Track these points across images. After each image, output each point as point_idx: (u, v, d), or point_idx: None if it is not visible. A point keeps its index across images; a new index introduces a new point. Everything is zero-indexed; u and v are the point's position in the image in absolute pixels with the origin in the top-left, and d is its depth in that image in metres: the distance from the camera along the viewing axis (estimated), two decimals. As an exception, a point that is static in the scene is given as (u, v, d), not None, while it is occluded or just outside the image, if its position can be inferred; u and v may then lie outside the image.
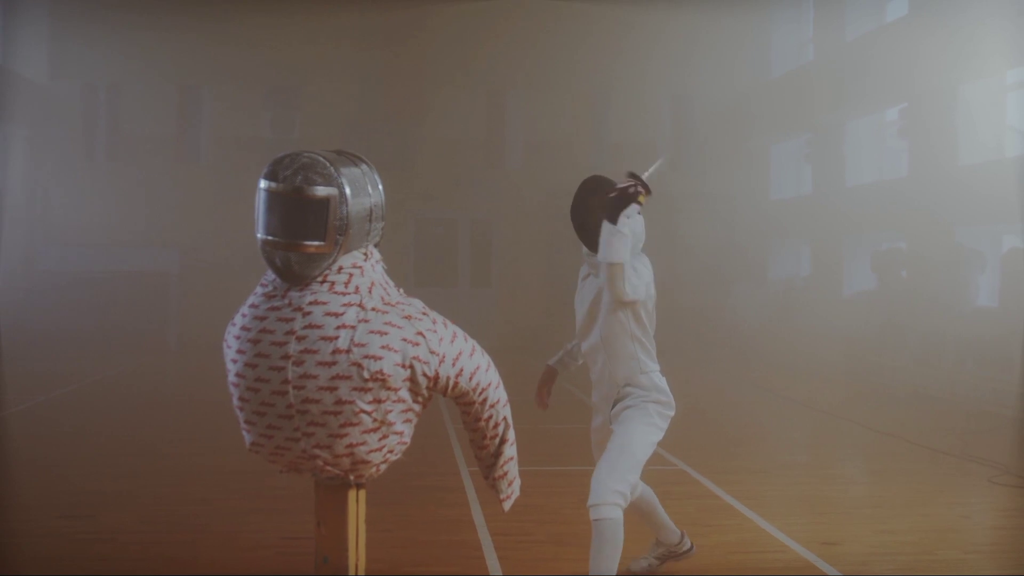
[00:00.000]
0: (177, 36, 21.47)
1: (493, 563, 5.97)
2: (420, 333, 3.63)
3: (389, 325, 3.58)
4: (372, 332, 3.55)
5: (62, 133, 21.62)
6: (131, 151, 22.05)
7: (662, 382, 5.06)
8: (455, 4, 22.31)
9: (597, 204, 4.90)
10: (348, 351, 3.51)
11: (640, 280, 4.86)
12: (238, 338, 3.70)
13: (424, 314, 3.72)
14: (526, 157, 22.93)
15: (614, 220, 4.60)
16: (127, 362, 17.61)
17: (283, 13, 21.74)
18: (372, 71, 22.55)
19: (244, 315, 3.73)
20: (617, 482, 4.73)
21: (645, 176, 4.77)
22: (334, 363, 3.51)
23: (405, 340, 3.59)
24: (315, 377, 3.51)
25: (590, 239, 4.95)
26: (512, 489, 4.18)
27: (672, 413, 5.08)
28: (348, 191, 3.60)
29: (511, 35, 22.43)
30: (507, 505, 4.23)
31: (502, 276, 22.86)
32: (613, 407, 5.06)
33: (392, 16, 22.25)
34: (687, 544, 5.67)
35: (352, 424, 3.55)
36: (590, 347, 5.10)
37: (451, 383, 3.72)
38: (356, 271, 3.66)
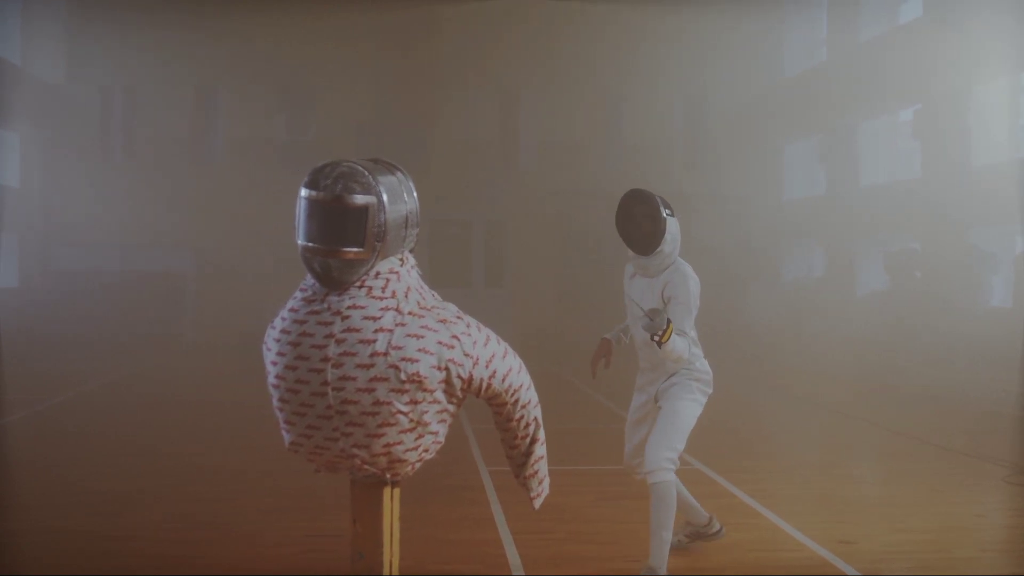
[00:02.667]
0: (192, 38, 21.60)
1: (515, 561, 6.05)
2: (455, 336, 3.73)
3: (425, 329, 3.68)
4: (409, 335, 3.64)
5: (79, 134, 21.74)
6: (147, 152, 22.18)
7: (704, 365, 5.86)
8: (469, 5, 22.37)
9: (640, 213, 5.72)
10: (386, 354, 3.60)
11: (693, 315, 5.72)
12: (278, 341, 3.80)
13: (459, 318, 3.82)
14: (540, 158, 23.00)
15: (660, 344, 5.35)
16: (143, 362, 17.71)
17: (297, 15, 21.85)
18: (386, 72, 22.63)
19: (284, 319, 3.83)
20: (667, 450, 5.56)
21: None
22: (372, 365, 3.60)
23: (441, 343, 3.68)
24: (354, 379, 3.61)
25: (636, 244, 5.75)
26: (542, 488, 4.27)
27: (711, 391, 5.87)
28: (386, 199, 3.70)
29: (525, 36, 22.49)
30: (537, 503, 4.32)
31: (516, 276, 22.93)
32: (660, 385, 5.82)
33: (406, 17, 22.33)
34: (716, 526, 6.24)
35: (389, 424, 3.65)
36: (643, 341, 5.80)
37: (484, 385, 3.81)
38: (393, 276, 3.76)
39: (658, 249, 5.72)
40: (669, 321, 5.32)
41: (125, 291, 20.63)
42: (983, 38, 15.05)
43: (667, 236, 5.71)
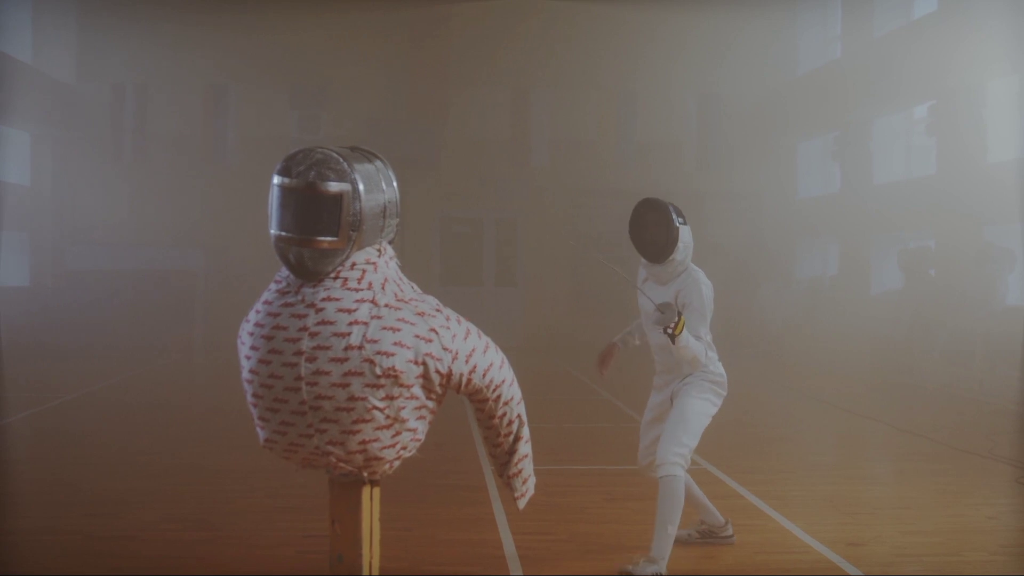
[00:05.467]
0: (203, 37, 21.60)
1: (514, 562, 5.94)
2: (433, 330, 3.60)
3: (402, 321, 3.56)
4: (385, 328, 3.52)
5: (90, 133, 21.74)
6: (158, 151, 22.16)
7: (719, 368, 5.93)
8: (481, 3, 22.31)
9: (652, 221, 5.81)
10: (360, 347, 3.49)
11: (708, 321, 5.82)
12: (252, 334, 3.69)
13: (438, 311, 3.69)
14: (551, 156, 22.89)
15: (675, 342, 5.46)
16: (152, 360, 17.71)
17: (309, 13, 21.82)
18: (398, 70, 22.57)
19: (258, 311, 3.72)
20: (677, 445, 5.62)
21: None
22: (346, 359, 3.49)
23: (418, 337, 3.56)
24: (328, 373, 3.49)
25: (648, 252, 5.85)
26: (527, 487, 4.15)
27: (725, 393, 5.95)
28: (361, 187, 3.58)
29: (537, 34, 22.42)
30: (522, 503, 4.21)
31: (527, 275, 22.82)
32: (675, 386, 5.92)
33: (418, 15, 22.29)
34: (730, 530, 6.32)
35: (365, 420, 3.53)
36: (658, 344, 5.90)
37: (464, 380, 3.69)
38: (370, 267, 3.64)
39: (670, 257, 5.81)
40: (680, 315, 5.41)
41: (136, 290, 20.59)
42: (998, 33, 14.88)
43: (679, 245, 5.79)
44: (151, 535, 6.50)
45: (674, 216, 5.81)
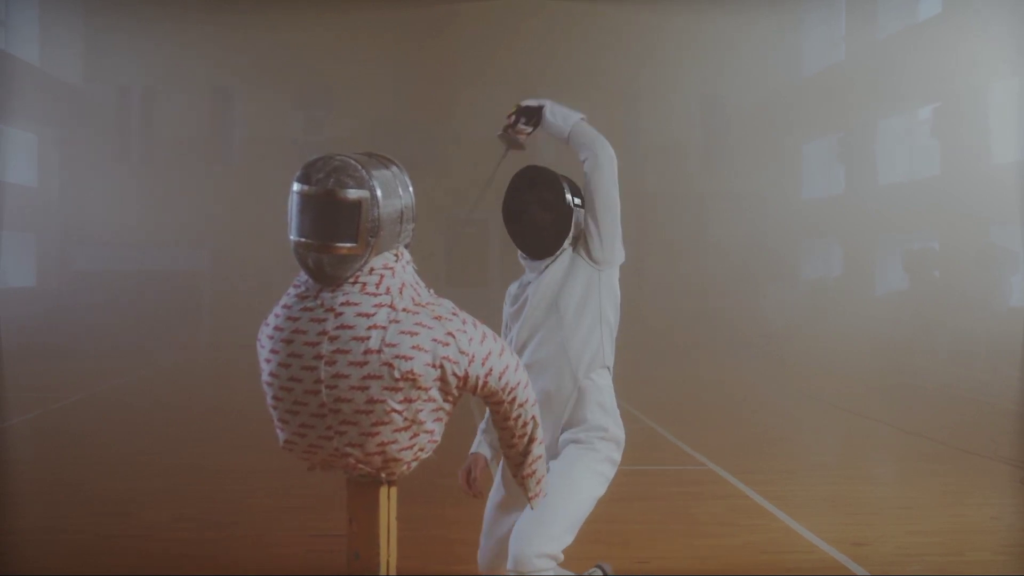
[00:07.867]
0: (209, 39, 21.69)
1: (522, 561, 5.99)
2: (450, 333, 3.66)
3: (419, 326, 3.61)
4: (403, 332, 3.57)
5: (96, 135, 21.84)
6: (164, 152, 22.26)
7: (619, 423, 4.27)
8: (484, 3, 22.36)
9: (534, 199, 4.34)
10: (379, 351, 3.54)
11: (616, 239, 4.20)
12: (271, 338, 3.74)
13: (454, 314, 3.74)
14: (557, 157, 22.87)
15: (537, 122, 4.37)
16: (159, 360, 17.76)
17: (313, 15, 21.90)
18: (402, 70, 22.64)
19: (277, 315, 3.77)
20: (547, 543, 4.11)
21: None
22: (365, 363, 3.54)
23: (435, 340, 3.61)
24: (347, 377, 3.54)
25: (530, 242, 4.35)
26: (540, 487, 4.20)
27: (619, 458, 4.22)
28: (380, 193, 3.64)
29: (541, 34, 22.48)
30: (535, 503, 4.25)
31: (532, 276, 22.83)
32: (561, 434, 4.34)
33: (421, 15, 22.35)
34: None
35: (383, 423, 3.58)
36: (546, 354, 4.34)
37: (481, 383, 3.74)
38: (387, 272, 3.69)
39: (562, 248, 4.28)
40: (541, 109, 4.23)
41: (142, 290, 20.70)
42: (1002, 35, 14.94)
43: (572, 232, 4.26)
44: (159, 534, 6.57)
45: (568, 194, 4.27)
